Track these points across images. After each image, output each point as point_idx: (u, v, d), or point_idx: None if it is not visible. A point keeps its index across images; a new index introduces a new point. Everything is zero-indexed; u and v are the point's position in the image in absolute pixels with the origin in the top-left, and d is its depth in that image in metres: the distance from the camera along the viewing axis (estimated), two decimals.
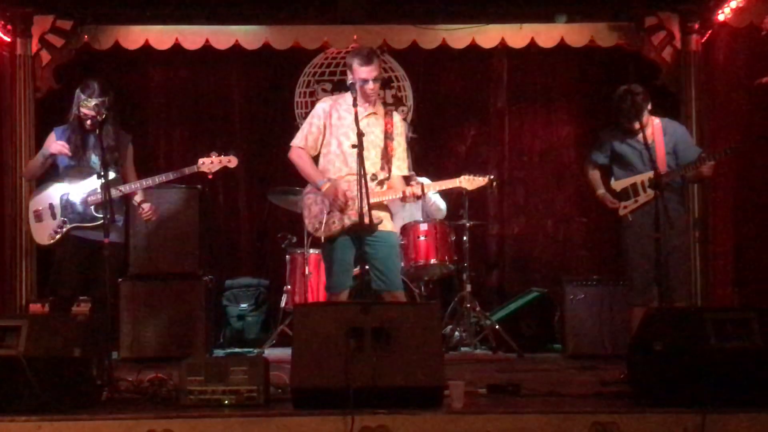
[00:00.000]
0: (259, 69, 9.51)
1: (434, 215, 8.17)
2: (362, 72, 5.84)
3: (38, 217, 6.32)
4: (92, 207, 6.21)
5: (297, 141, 6.00)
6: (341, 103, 5.97)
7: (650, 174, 6.10)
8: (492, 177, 6.13)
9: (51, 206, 6.28)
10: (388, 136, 5.92)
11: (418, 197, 5.95)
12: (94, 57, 8.90)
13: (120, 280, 7.37)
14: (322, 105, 6.02)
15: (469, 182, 6.04)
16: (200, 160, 6.33)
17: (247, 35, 8.88)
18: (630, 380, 5.19)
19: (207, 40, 8.84)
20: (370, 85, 5.85)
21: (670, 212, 5.92)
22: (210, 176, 6.44)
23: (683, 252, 6.50)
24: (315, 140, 5.96)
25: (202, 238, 7.66)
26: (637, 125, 6.26)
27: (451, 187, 6.11)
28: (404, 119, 9.34)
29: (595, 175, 6.71)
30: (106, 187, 5.74)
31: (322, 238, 5.83)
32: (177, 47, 8.86)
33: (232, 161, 6.37)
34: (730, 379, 4.69)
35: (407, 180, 6.12)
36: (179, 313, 7.40)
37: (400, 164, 6.02)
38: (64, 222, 6.21)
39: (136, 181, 6.36)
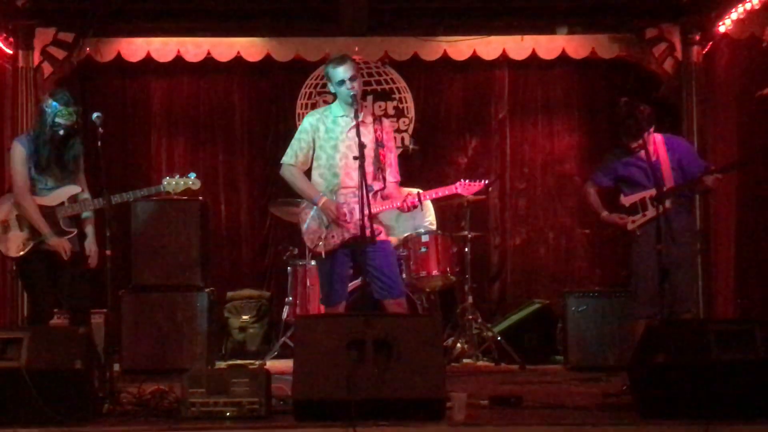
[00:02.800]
0: (260, 81, 9.53)
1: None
2: (338, 73, 5.76)
3: (5, 227, 6.06)
4: (61, 221, 6.03)
5: (287, 158, 5.95)
6: (328, 116, 5.92)
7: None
8: (487, 182, 6.13)
9: (18, 217, 6.04)
10: (379, 144, 5.85)
11: (415, 206, 5.91)
12: (95, 69, 8.94)
13: (121, 291, 7.37)
14: (309, 119, 5.96)
15: (466, 188, 6.02)
16: (164, 180, 6.27)
17: (249, 47, 8.92)
18: (632, 392, 5.17)
19: (209, 52, 8.89)
20: (348, 85, 5.76)
21: (675, 226, 5.91)
22: (174, 196, 6.39)
23: (689, 265, 6.48)
24: (305, 155, 5.91)
25: (204, 249, 7.64)
26: (635, 145, 6.27)
27: (448, 194, 6.07)
28: (406, 131, 9.37)
29: (596, 198, 6.66)
30: (108, 200, 5.69)
31: (323, 254, 5.79)
32: (179, 59, 8.90)
33: (195, 183, 6.29)
34: (733, 391, 4.68)
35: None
36: (181, 325, 7.38)
37: (393, 171, 5.97)
38: (33, 235, 5.99)
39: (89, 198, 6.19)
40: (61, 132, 5.98)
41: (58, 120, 5.96)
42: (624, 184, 6.49)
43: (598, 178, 6.63)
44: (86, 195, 6.18)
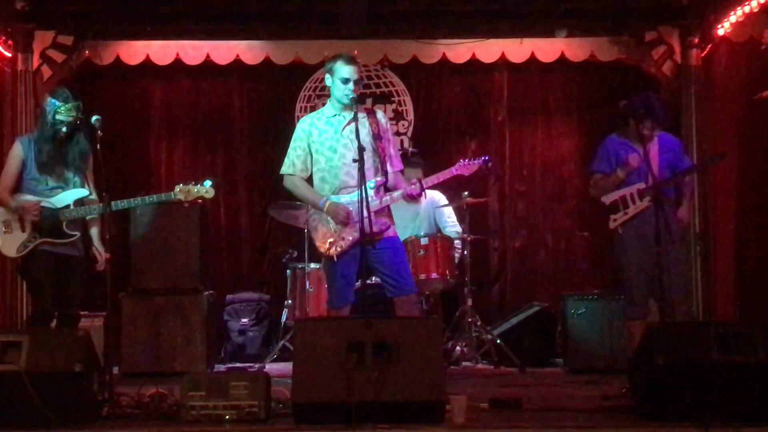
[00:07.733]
0: (260, 84, 9.52)
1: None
2: (345, 70, 5.72)
3: (7, 227, 6.03)
4: (64, 223, 6.01)
5: (286, 168, 5.93)
6: (320, 118, 5.89)
7: (639, 185, 6.18)
8: (486, 158, 6.07)
9: (21, 218, 6.00)
10: (376, 137, 5.81)
11: (418, 194, 5.89)
12: (94, 72, 8.94)
13: (121, 294, 7.36)
14: (301, 126, 5.93)
15: (464, 168, 5.96)
16: (176, 187, 6.18)
17: (248, 50, 8.93)
18: (632, 394, 5.17)
19: (208, 55, 8.90)
20: (351, 86, 5.72)
21: (671, 224, 5.91)
22: (186, 204, 6.33)
23: (682, 264, 6.48)
24: (303, 162, 5.88)
25: (203, 252, 7.64)
26: (656, 131, 6.26)
27: (448, 177, 5.99)
28: (405, 134, 9.37)
29: (604, 179, 6.55)
30: (109, 206, 5.65)
31: (335, 258, 5.76)
32: (178, 62, 8.91)
33: (209, 192, 6.19)
34: (733, 394, 4.67)
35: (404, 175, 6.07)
36: (180, 328, 7.37)
37: (394, 161, 5.96)
38: (35, 237, 5.97)
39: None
40: (64, 129, 5.94)
41: (58, 117, 5.93)
42: None
43: (597, 165, 6.53)
44: (93, 196, 6.13)
